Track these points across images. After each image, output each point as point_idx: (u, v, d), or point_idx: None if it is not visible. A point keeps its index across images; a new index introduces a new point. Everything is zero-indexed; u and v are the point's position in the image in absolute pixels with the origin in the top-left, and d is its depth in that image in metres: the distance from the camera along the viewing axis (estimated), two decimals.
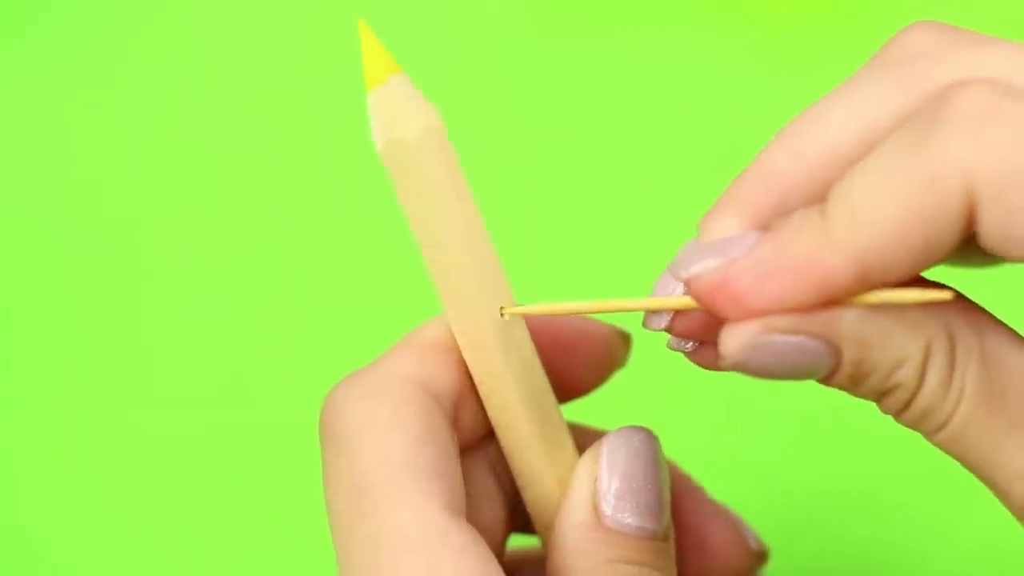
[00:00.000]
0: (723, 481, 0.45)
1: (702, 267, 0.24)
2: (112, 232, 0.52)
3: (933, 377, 0.24)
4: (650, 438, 0.29)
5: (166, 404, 0.48)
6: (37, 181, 0.53)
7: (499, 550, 0.30)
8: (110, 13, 0.58)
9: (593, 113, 0.54)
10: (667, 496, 0.29)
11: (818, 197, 0.24)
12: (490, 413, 0.28)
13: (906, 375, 0.24)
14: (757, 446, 0.45)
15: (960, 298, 0.25)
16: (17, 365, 0.49)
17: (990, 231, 0.22)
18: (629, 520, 0.28)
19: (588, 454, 0.29)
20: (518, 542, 0.32)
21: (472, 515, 0.28)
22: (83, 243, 0.52)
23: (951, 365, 0.24)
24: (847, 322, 0.24)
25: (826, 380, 0.25)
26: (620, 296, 0.27)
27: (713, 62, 0.55)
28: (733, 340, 0.24)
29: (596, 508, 0.28)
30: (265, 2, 0.58)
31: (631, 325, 0.27)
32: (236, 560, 0.45)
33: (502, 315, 0.27)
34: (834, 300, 0.24)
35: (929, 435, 0.25)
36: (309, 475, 0.29)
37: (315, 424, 0.28)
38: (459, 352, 0.28)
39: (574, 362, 0.30)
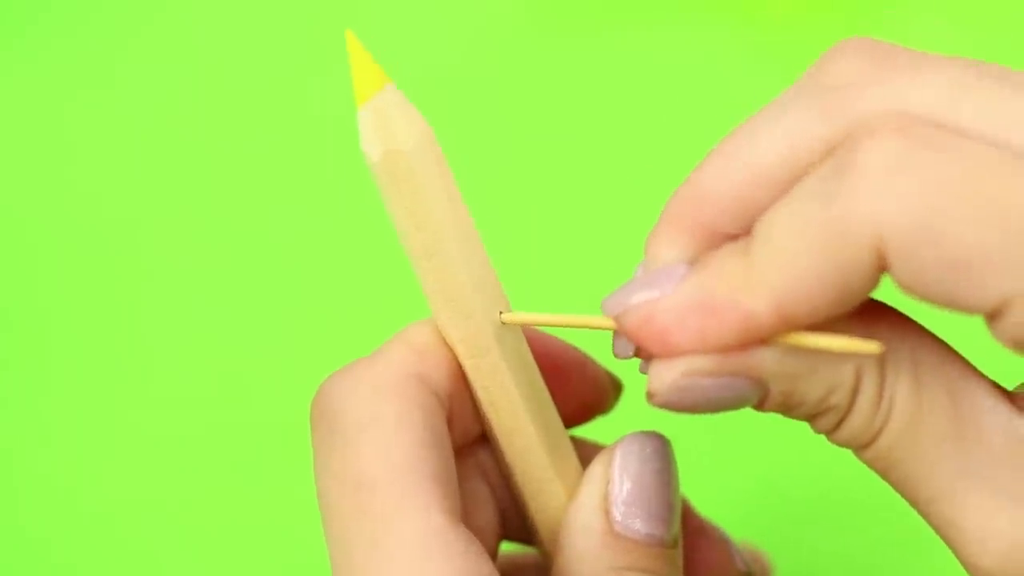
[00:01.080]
0: (722, 484, 0.45)
1: (631, 301, 0.24)
2: (112, 232, 0.52)
3: (864, 399, 0.24)
4: (663, 444, 0.28)
5: (166, 404, 0.48)
6: (37, 181, 0.53)
7: (492, 556, 0.30)
8: (110, 13, 0.58)
9: (592, 113, 0.54)
10: (678, 503, 0.28)
11: (747, 217, 0.24)
12: (493, 420, 0.28)
13: (837, 400, 0.24)
14: (756, 450, 0.45)
15: (892, 312, 0.25)
16: (17, 365, 0.49)
17: (902, 281, 0.22)
18: (638, 527, 0.28)
19: (600, 458, 0.28)
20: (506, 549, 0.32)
21: (466, 520, 0.28)
22: (83, 243, 0.52)
23: (881, 384, 0.24)
24: (770, 360, 0.24)
25: (758, 408, 0.25)
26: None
27: (713, 62, 0.55)
28: (660, 382, 0.24)
29: (606, 513, 0.28)
30: (264, 3, 0.58)
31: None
32: (236, 560, 0.45)
33: (501, 321, 0.27)
34: (758, 339, 0.24)
35: (858, 452, 0.25)
36: (309, 475, 0.28)
37: None
38: (452, 356, 0.27)
39: (563, 395, 0.30)
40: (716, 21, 0.56)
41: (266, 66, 0.56)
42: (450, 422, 0.28)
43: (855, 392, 0.24)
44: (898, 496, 0.25)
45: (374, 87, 0.25)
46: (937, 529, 0.25)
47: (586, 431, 0.31)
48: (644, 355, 0.25)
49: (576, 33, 0.56)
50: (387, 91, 0.25)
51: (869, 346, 0.23)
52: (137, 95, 0.55)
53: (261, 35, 0.57)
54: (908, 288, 0.22)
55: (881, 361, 0.24)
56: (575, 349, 0.31)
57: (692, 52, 0.55)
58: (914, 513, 0.25)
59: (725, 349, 0.24)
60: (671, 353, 0.24)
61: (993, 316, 0.22)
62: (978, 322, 0.23)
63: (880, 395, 0.24)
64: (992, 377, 0.25)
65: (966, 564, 0.24)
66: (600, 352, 0.31)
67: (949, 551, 0.25)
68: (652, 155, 0.52)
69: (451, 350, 0.27)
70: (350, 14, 0.57)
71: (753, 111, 0.25)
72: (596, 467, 0.28)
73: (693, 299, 0.24)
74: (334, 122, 0.53)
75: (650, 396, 0.25)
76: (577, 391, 0.31)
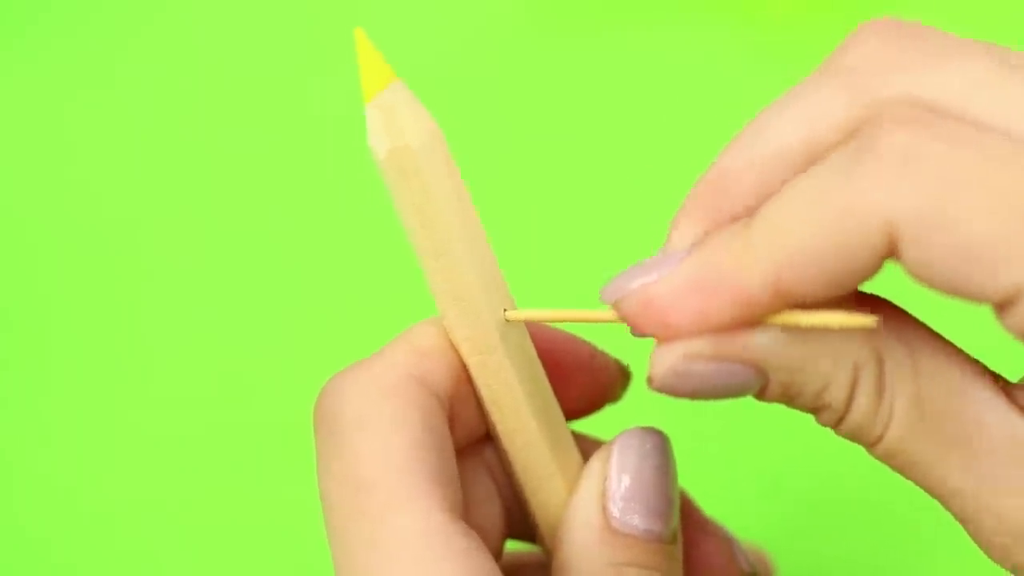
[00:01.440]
0: (725, 485, 0.45)
1: (630, 287, 0.24)
2: (112, 232, 0.52)
3: (862, 399, 0.24)
4: (662, 440, 0.29)
5: (166, 404, 0.48)
6: (37, 181, 0.53)
7: (497, 554, 0.30)
8: (110, 13, 0.58)
9: (593, 113, 0.54)
10: (676, 498, 0.28)
11: (767, 200, 0.24)
12: (495, 417, 0.28)
13: (834, 396, 0.24)
14: (758, 451, 0.45)
15: (892, 310, 0.25)
16: (17, 365, 0.49)
17: (912, 267, 0.22)
18: (637, 522, 0.28)
19: (598, 455, 0.28)
20: (511, 547, 0.32)
21: (471, 518, 0.28)
22: (83, 243, 0.52)
23: (880, 386, 0.24)
24: (769, 346, 0.24)
25: (759, 397, 0.25)
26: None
27: (713, 62, 0.55)
28: (659, 366, 0.24)
29: (604, 509, 0.28)
30: (265, 3, 0.58)
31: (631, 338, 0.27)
32: (236, 560, 0.45)
33: (505, 318, 0.27)
34: (755, 319, 0.23)
35: (867, 449, 0.25)
36: (309, 475, 0.28)
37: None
38: (455, 356, 0.27)
39: (570, 387, 0.30)
40: (716, 21, 0.56)
41: (267, 66, 0.56)
42: (453, 421, 0.28)
43: (852, 389, 0.24)
44: (900, 497, 0.25)
45: (382, 83, 0.25)
46: (960, 523, 0.25)
47: (592, 425, 0.31)
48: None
49: (576, 33, 0.56)
50: (395, 88, 0.25)
51: (865, 320, 0.23)
52: (137, 95, 0.55)
53: (261, 35, 0.57)
54: (917, 275, 0.22)
55: (879, 364, 0.24)
56: (580, 340, 0.31)
57: (692, 52, 0.55)
58: (917, 514, 0.25)
59: (725, 328, 0.24)
60: (672, 336, 0.24)
61: (1002, 306, 0.22)
62: (974, 319, 0.23)
63: (879, 398, 0.24)
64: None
65: (989, 557, 0.25)
66: (607, 345, 0.31)
67: (953, 552, 0.25)
68: (652, 155, 0.52)
69: (454, 349, 0.27)
70: (349, 13, 0.57)
71: (753, 111, 0.25)
72: (595, 463, 0.28)
73: (690, 279, 0.24)
74: (334, 122, 0.53)
75: (649, 380, 0.25)
76: (584, 382, 0.30)
